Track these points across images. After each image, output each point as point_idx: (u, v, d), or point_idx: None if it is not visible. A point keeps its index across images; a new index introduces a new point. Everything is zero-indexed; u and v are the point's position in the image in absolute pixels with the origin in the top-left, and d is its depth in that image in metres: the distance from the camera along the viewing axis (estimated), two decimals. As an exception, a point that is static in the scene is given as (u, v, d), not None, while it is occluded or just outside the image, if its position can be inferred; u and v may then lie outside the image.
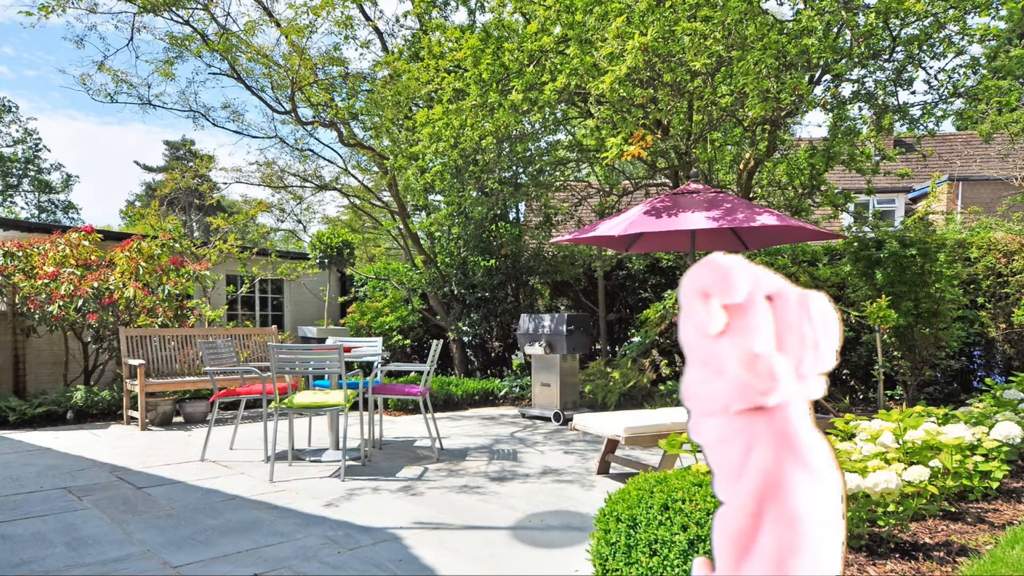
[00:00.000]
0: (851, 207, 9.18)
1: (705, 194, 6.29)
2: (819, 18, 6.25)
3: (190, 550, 3.50)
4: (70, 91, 69.62)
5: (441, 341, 6.13)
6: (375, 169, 11.20)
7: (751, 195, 8.31)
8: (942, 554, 3.15)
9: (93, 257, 8.30)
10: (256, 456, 5.79)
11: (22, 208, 35.40)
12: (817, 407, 6.84)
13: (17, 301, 8.24)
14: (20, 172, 34.73)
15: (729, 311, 0.62)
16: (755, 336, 0.61)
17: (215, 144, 58.57)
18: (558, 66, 6.41)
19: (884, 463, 3.28)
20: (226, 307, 10.82)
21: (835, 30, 6.78)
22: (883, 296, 6.69)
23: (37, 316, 7.82)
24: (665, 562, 2.56)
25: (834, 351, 0.62)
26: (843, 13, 6.21)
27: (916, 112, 7.12)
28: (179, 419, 7.89)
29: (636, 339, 9.21)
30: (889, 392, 8.39)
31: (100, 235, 8.67)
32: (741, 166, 8.27)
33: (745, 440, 0.63)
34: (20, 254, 8.10)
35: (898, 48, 6.71)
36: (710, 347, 0.64)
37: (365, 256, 21.00)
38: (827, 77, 7.36)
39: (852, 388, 8.92)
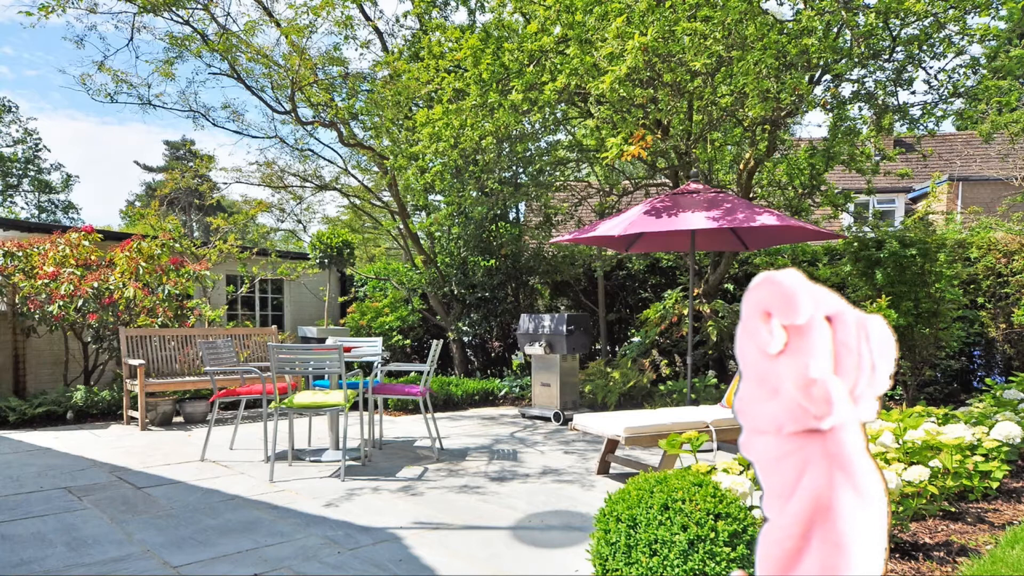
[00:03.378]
0: (851, 207, 9.18)
1: (705, 194, 6.29)
2: (819, 18, 6.25)
3: (190, 550, 3.50)
4: (70, 91, 69.67)
5: (441, 341, 6.13)
6: (375, 169, 11.20)
7: (751, 195, 8.31)
8: (942, 554, 3.15)
9: (93, 257, 8.30)
10: (256, 456, 5.79)
11: (22, 208, 35.42)
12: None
13: (17, 301, 8.24)
14: (20, 172, 34.73)
15: (788, 331, 0.62)
16: (813, 359, 0.60)
17: (215, 144, 58.60)
18: (558, 66, 6.41)
19: (884, 463, 3.28)
20: (226, 307, 10.82)
21: (835, 30, 6.78)
22: (883, 296, 6.69)
23: (37, 316, 7.82)
24: (665, 562, 2.56)
25: (889, 373, 0.62)
26: (843, 13, 6.21)
27: (916, 112, 7.12)
28: (179, 419, 7.89)
29: (636, 339, 9.21)
30: (889, 392, 8.38)
31: (100, 235, 8.67)
32: (741, 166, 8.27)
33: (798, 461, 0.62)
34: (20, 254, 8.10)
35: (898, 48, 6.70)
36: (767, 366, 0.63)
37: (365, 256, 20.99)
38: (827, 77, 7.36)
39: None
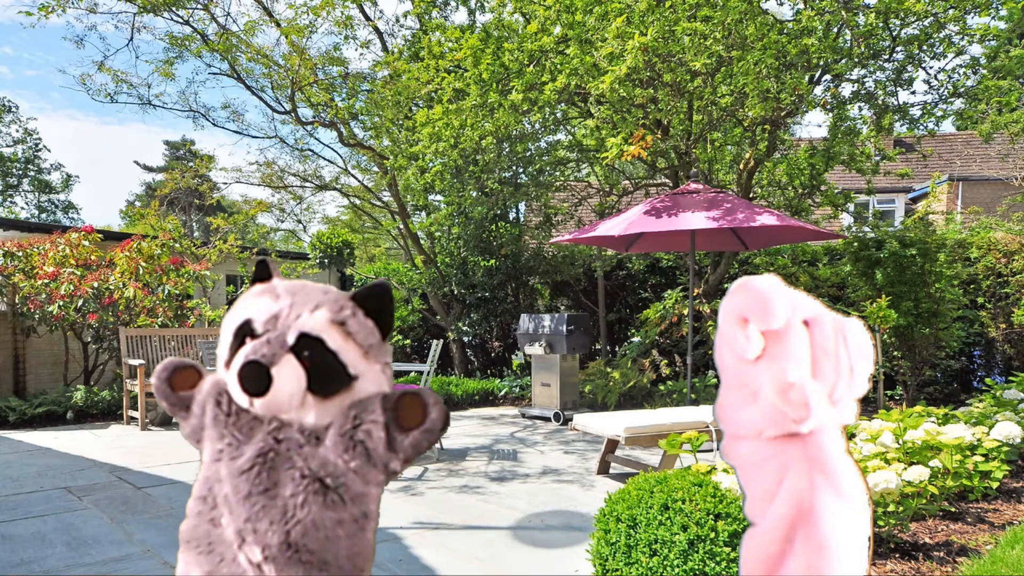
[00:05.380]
0: (851, 207, 9.18)
1: (705, 194, 6.28)
2: (819, 18, 6.25)
3: (190, 550, 3.50)
4: (70, 91, 69.66)
5: (441, 341, 6.13)
6: (375, 169, 11.20)
7: (751, 195, 8.31)
8: (942, 554, 3.15)
9: (93, 257, 8.30)
10: (256, 456, 5.78)
11: (22, 208, 35.41)
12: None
13: (17, 301, 8.24)
14: (20, 172, 34.72)
15: (766, 336, 0.62)
16: (791, 363, 0.60)
17: (215, 144, 58.57)
18: (558, 66, 6.40)
19: (884, 463, 3.28)
20: (226, 307, 10.80)
21: (835, 30, 6.78)
22: (883, 296, 6.69)
23: (37, 316, 7.81)
24: (665, 562, 2.56)
25: (868, 376, 0.61)
26: (843, 13, 6.21)
27: (916, 112, 7.12)
28: (179, 419, 7.89)
29: (636, 339, 9.21)
30: (889, 392, 8.39)
31: (100, 235, 8.67)
32: (741, 166, 8.27)
33: (778, 465, 0.63)
34: (20, 254, 8.09)
35: (898, 48, 6.70)
36: (746, 371, 0.63)
37: (365, 256, 20.99)
38: (827, 77, 7.36)
39: (852, 388, 8.90)
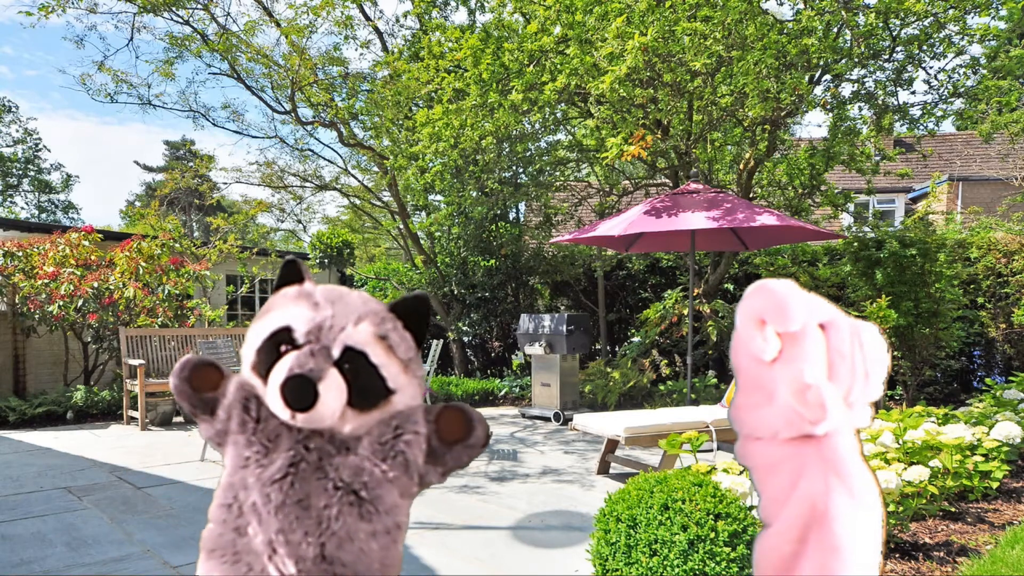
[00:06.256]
0: (851, 207, 9.17)
1: (705, 194, 6.28)
2: (819, 18, 6.25)
3: (190, 550, 3.50)
4: (70, 91, 69.64)
5: (441, 341, 6.13)
6: (375, 169, 11.20)
7: (751, 195, 8.31)
8: (942, 554, 3.15)
9: (93, 257, 8.30)
10: (256, 456, 5.78)
11: (22, 208, 35.40)
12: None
13: (17, 301, 8.24)
14: (20, 172, 34.71)
15: (783, 338, 0.62)
16: (807, 365, 0.61)
17: (215, 144, 58.52)
18: (558, 66, 6.40)
19: (884, 463, 3.28)
20: (226, 307, 10.82)
21: (835, 30, 6.78)
22: (883, 296, 6.68)
23: (37, 316, 7.81)
24: (665, 562, 2.56)
25: (883, 380, 0.61)
26: (843, 13, 6.21)
27: (916, 112, 7.12)
28: (179, 419, 7.89)
29: (636, 339, 9.21)
30: (889, 392, 8.39)
31: (100, 235, 8.67)
32: (741, 166, 8.26)
33: (793, 467, 0.63)
34: (20, 254, 8.10)
35: (898, 48, 6.70)
36: (762, 373, 0.63)
37: (365, 256, 20.97)
38: (827, 77, 7.35)
39: (852, 388, 8.90)
